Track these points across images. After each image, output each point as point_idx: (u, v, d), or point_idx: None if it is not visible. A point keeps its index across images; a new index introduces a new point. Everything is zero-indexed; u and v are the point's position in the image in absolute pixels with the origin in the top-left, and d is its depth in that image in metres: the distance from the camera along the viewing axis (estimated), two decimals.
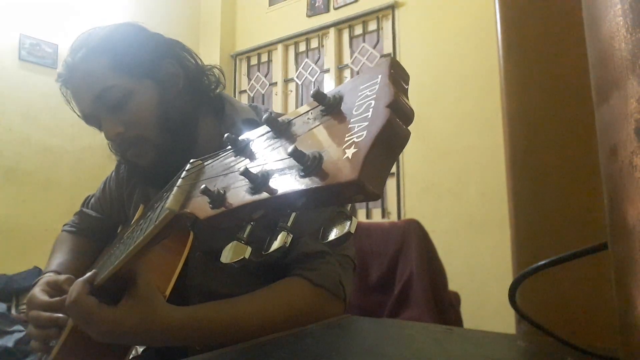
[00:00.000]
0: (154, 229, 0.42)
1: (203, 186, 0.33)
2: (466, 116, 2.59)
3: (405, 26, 2.92)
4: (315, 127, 0.29)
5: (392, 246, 1.23)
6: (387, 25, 3.02)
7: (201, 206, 0.34)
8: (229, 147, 0.36)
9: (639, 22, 0.21)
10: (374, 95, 0.26)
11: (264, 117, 0.31)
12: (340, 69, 3.24)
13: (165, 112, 0.70)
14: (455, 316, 1.23)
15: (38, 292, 0.69)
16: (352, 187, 0.23)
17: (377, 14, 3.05)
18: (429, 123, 2.74)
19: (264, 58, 3.66)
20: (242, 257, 0.33)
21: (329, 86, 3.26)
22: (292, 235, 0.31)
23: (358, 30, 3.19)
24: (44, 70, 3.07)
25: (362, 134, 0.24)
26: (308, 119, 0.30)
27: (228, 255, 0.33)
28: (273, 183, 0.28)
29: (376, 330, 0.58)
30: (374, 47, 3.07)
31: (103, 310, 0.50)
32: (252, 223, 0.33)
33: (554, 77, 0.68)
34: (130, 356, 0.63)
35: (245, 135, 0.35)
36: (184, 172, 0.41)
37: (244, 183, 0.30)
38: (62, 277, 0.70)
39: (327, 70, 3.28)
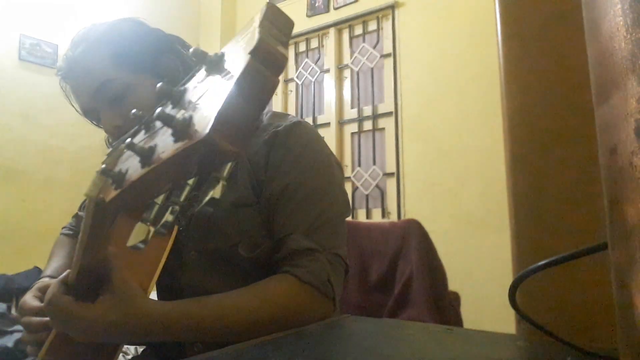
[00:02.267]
0: (86, 220, 0.42)
1: (103, 166, 0.32)
2: (466, 116, 2.59)
3: (405, 26, 2.92)
4: (200, 88, 0.27)
5: (392, 246, 1.22)
6: (387, 25, 3.02)
7: (108, 189, 0.33)
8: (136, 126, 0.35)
9: (639, 22, 0.21)
10: (243, 45, 0.25)
11: (157, 87, 0.30)
12: (340, 68, 3.24)
13: None
14: (455, 316, 1.23)
15: (29, 298, 0.68)
16: (207, 146, 0.22)
17: (377, 14, 3.05)
18: (429, 123, 2.74)
19: None
20: (143, 238, 0.30)
21: (329, 86, 3.26)
22: (175, 212, 0.29)
23: (358, 30, 3.19)
24: (44, 70, 3.07)
25: (223, 87, 0.23)
26: (197, 81, 0.28)
27: (131, 238, 0.31)
28: (156, 154, 0.27)
29: (376, 330, 0.58)
30: (374, 47, 3.07)
31: (80, 308, 0.50)
32: (157, 202, 0.30)
33: (554, 76, 0.68)
34: (130, 357, 0.62)
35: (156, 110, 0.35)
36: (106, 157, 0.40)
37: (138, 158, 0.29)
38: (53, 281, 0.71)
39: (327, 70, 3.28)
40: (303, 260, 0.65)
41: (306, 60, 3.39)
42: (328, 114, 3.22)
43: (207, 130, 0.22)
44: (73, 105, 0.75)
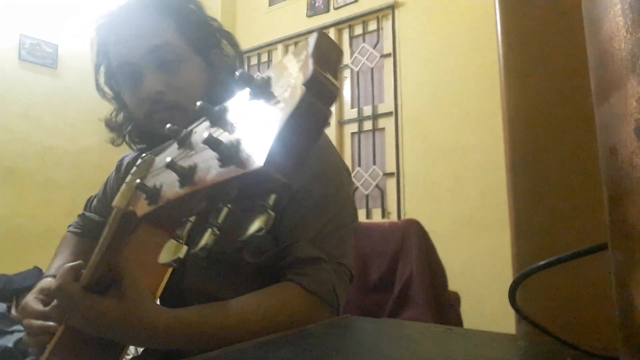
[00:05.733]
0: (109, 229, 0.41)
1: (137, 181, 0.32)
2: (466, 116, 2.59)
3: (405, 26, 2.92)
4: (243, 111, 0.27)
5: (392, 246, 1.22)
6: (387, 25, 3.02)
7: (140, 202, 0.33)
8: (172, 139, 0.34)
9: (639, 22, 0.21)
10: (295, 74, 0.24)
11: (197, 105, 0.29)
12: (340, 68, 3.23)
13: (208, 93, 0.70)
14: (455, 316, 1.23)
15: (31, 300, 0.68)
16: (259, 176, 0.22)
17: (377, 14, 3.05)
18: (429, 123, 2.74)
19: (264, 58, 3.66)
20: (176, 257, 0.29)
21: None
22: (215, 234, 0.28)
23: (358, 30, 3.19)
24: (44, 70, 3.07)
25: (277, 116, 0.23)
26: (241, 103, 0.28)
27: (163, 255, 0.30)
28: (198, 175, 0.27)
29: (376, 330, 0.58)
30: (374, 47, 3.07)
31: (88, 297, 0.50)
32: (191, 219, 0.30)
33: (554, 76, 0.68)
34: (130, 357, 0.62)
35: (192, 126, 0.33)
36: (134, 167, 0.39)
37: (176, 176, 0.28)
38: (64, 267, 0.70)
39: None
40: (309, 269, 0.64)
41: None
42: None
43: (261, 162, 0.21)
44: (96, 62, 0.72)
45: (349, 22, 3.18)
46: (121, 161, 0.91)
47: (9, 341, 1.95)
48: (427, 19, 2.83)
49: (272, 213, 0.25)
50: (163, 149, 0.36)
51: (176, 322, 0.54)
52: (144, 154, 0.39)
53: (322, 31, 0.26)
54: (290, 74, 0.25)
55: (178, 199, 0.28)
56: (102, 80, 0.78)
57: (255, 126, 0.24)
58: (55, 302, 0.53)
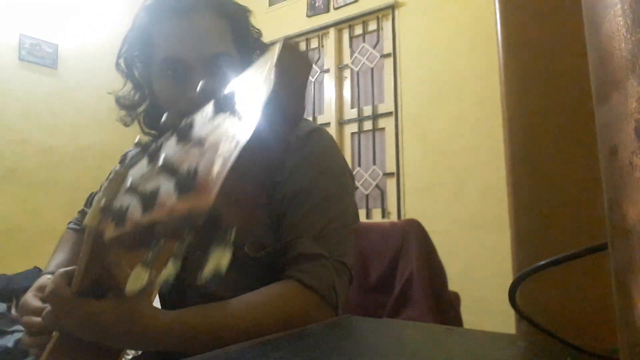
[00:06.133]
0: (85, 246, 0.40)
1: (103, 202, 0.30)
2: (466, 116, 2.59)
3: (405, 26, 2.92)
4: (206, 128, 0.25)
5: (392, 246, 1.22)
6: (387, 25, 3.02)
7: (108, 224, 0.31)
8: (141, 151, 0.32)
9: (639, 22, 0.21)
10: (255, 92, 0.22)
11: (162, 118, 0.27)
12: (340, 69, 3.24)
13: None
14: (455, 316, 1.23)
15: (30, 298, 0.67)
16: (211, 213, 0.20)
17: (377, 14, 3.05)
18: (429, 123, 2.74)
19: None
20: (139, 286, 0.27)
21: (329, 86, 3.26)
22: (176, 266, 0.25)
23: (358, 30, 3.19)
24: (44, 70, 3.07)
25: (232, 145, 0.21)
26: (206, 118, 0.26)
27: (130, 283, 0.27)
28: (159, 202, 0.25)
29: (376, 330, 0.58)
30: (374, 47, 3.07)
31: (82, 301, 0.48)
32: (160, 243, 0.27)
33: (554, 77, 0.68)
34: (130, 357, 0.62)
35: (161, 139, 0.31)
36: (106, 182, 0.37)
37: (140, 202, 0.26)
38: (56, 272, 0.70)
39: (327, 70, 3.28)
40: (309, 265, 0.64)
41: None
42: (328, 114, 3.22)
43: (211, 197, 0.20)
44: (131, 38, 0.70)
45: (349, 22, 3.18)
46: (124, 156, 0.90)
47: (9, 341, 1.95)
48: (427, 19, 2.83)
49: (228, 251, 0.22)
50: (135, 162, 0.34)
51: (175, 323, 0.53)
52: (117, 167, 0.37)
53: (288, 40, 0.24)
54: (254, 88, 0.23)
55: (141, 225, 0.26)
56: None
57: (214, 149, 0.22)
58: (49, 307, 0.52)
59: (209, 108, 0.25)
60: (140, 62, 0.73)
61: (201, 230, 0.22)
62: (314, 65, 3.34)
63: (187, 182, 0.22)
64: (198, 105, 0.28)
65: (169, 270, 0.24)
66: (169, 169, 0.23)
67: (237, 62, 0.69)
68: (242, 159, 0.20)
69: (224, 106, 0.24)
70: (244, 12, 0.73)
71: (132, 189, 0.26)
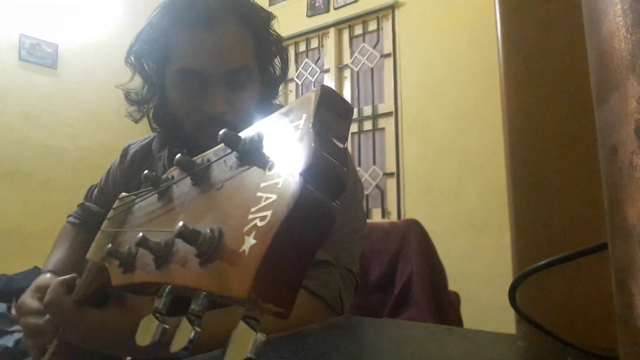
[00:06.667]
0: (86, 279, 0.38)
1: (109, 247, 0.27)
2: (466, 116, 2.59)
3: (405, 26, 2.92)
4: (227, 180, 0.22)
5: (392, 246, 1.22)
6: (387, 25, 3.02)
7: (114, 268, 0.28)
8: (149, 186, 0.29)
9: (639, 22, 0.21)
10: (291, 149, 0.19)
11: (176, 158, 0.25)
12: (340, 69, 3.24)
13: (258, 111, 0.66)
14: (455, 316, 1.23)
15: (27, 298, 0.66)
16: (244, 303, 0.17)
17: (377, 14, 3.05)
18: (429, 123, 2.74)
19: None
20: (151, 340, 0.24)
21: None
22: (196, 330, 0.21)
23: (358, 30, 3.19)
24: (44, 70, 3.07)
25: (267, 215, 0.17)
26: (226, 165, 0.23)
27: (140, 334, 0.24)
28: (173, 264, 0.22)
29: (376, 330, 0.58)
30: (374, 47, 3.07)
31: (83, 311, 0.47)
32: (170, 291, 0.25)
33: (554, 77, 0.68)
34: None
35: (170, 174, 0.28)
36: (111, 211, 0.35)
37: (151, 255, 0.24)
38: (54, 281, 0.69)
39: (327, 71, 3.28)
40: (316, 272, 0.63)
41: (306, 60, 3.39)
42: None
43: (246, 290, 0.17)
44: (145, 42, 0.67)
45: (349, 22, 3.18)
46: (126, 150, 0.88)
47: (9, 341, 1.95)
48: (427, 19, 2.83)
49: (261, 336, 0.19)
50: (144, 195, 0.31)
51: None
52: (122, 195, 0.34)
53: (326, 87, 0.20)
54: (285, 144, 0.19)
55: (152, 283, 0.24)
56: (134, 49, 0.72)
57: (241, 214, 0.19)
58: (48, 316, 0.51)
59: (232, 155, 0.22)
60: (154, 62, 0.71)
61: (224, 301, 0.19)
62: (314, 65, 3.34)
63: (211, 249, 0.19)
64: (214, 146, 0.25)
65: (188, 333, 0.20)
66: (192, 230, 0.20)
67: (256, 74, 0.67)
68: (282, 236, 0.16)
69: (250, 157, 0.21)
70: (267, 19, 0.70)
71: (145, 239, 0.23)
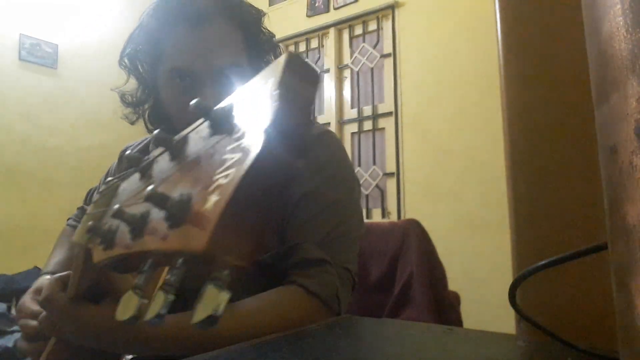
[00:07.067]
0: (76, 262, 0.39)
1: (90, 223, 0.28)
2: (466, 116, 2.59)
3: (405, 26, 2.92)
4: (200, 150, 0.22)
5: (392, 246, 1.22)
6: (387, 25, 3.02)
7: (97, 246, 0.29)
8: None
9: (639, 22, 0.21)
10: (257, 111, 0.20)
11: (154, 134, 0.25)
12: (340, 69, 3.24)
13: None
14: (455, 316, 1.23)
15: (27, 300, 0.65)
16: (202, 259, 0.18)
17: (377, 14, 3.05)
18: (429, 123, 2.74)
19: None
20: (133, 314, 0.24)
21: (329, 86, 3.26)
22: (168, 299, 0.22)
23: (358, 30, 3.19)
24: (44, 70, 3.07)
25: (229, 174, 0.18)
26: (200, 136, 0.24)
27: (120, 309, 0.25)
28: (148, 229, 0.23)
29: (376, 330, 0.58)
30: (374, 47, 3.07)
31: (79, 307, 0.47)
32: (150, 267, 0.25)
33: (554, 76, 0.67)
34: (130, 357, 0.61)
35: (154, 153, 0.29)
36: (97, 195, 0.35)
37: (128, 227, 0.24)
38: (50, 278, 0.69)
39: (327, 70, 3.28)
40: (313, 271, 0.62)
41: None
42: (328, 114, 3.22)
43: (205, 236, 0.17)
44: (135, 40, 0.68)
45: (349, 22, 3.18)
46: (124, 152, 0.89)
47: (8, 341, 1.95)
48: (427, 19, 2.83)
49: (225, 294, 0.18)
50: (127, 175, 0.32)
51: (173, 329, 0.52)
52: (109, 179, 0.35)
53: (293, 53, 0.21)
54: (255, 106, 0.20)
55: (129, 253, 0.24)
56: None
57: (208, 176, 0.20)
58: (44, 313, 0.52)
59: (205, 125, 0.24)
60: (147, 63, 0.72)
61: (195, 265, 0.20)
62: (314, 65, 3.33)
63: (179, 213, 0.20)
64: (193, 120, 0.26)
65: (161, 301, 0.21)
66: (160, 194, 0.21)
67: (247, 71, 0.67)
68: (242, 190, 0.17)
69: (221, 125, 0.22)
70: (258, 16, 0.71)
71: (121, 211, 0.24)
